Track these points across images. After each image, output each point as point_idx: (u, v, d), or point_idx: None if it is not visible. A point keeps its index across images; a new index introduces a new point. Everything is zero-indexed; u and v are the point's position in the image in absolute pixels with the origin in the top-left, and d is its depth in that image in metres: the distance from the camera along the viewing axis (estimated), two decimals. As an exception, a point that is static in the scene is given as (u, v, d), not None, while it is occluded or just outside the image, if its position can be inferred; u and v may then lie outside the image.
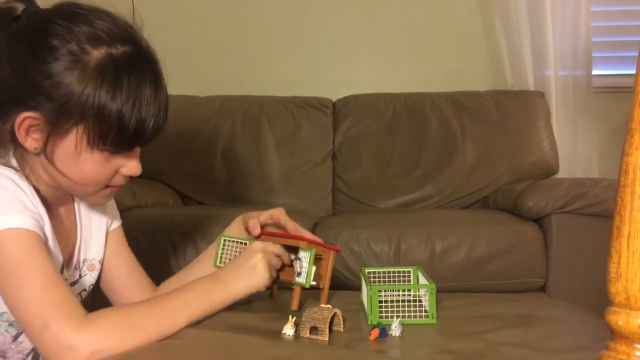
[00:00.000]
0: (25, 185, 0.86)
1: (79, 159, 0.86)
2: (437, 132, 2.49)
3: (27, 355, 0.96)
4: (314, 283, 0.97)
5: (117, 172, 0.91)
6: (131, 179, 0.94)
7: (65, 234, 1.00)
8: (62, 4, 0.88)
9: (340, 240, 1.90)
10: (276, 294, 1.15)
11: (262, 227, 1.09)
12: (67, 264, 0.99)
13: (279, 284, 1.11)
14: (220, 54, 2.83)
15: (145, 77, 0.86)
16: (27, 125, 0.84)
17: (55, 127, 0.84)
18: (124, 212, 1.98)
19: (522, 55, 2.63)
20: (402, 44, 2.79)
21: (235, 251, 1.11)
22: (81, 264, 1.03)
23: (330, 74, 2.80)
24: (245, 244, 1.10)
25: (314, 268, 0.97)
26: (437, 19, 2.78)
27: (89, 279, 1.04)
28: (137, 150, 0.92)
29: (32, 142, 0.85)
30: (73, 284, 1.01)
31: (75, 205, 1.03)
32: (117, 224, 1.11)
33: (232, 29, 2.83)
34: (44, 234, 0.87)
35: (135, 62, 0.86)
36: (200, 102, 2.61)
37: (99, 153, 0.87)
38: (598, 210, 1.88)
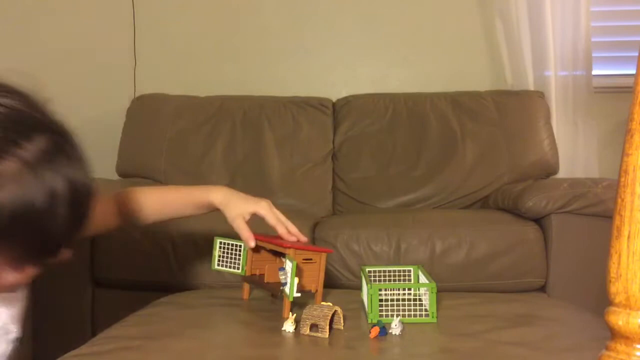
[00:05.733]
0: None
1: None
2: (437, 132, 2.49)
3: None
4: (297, 295, 0.93)
5: None
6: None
7: None
8: None
9: (340, 240, 1.90)
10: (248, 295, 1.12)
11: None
12: None
13: (266, 287, 1.08)
14: (220, 54, 2.83)
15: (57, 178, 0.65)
16: None
17: None
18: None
19: (522, 55, 2.62)
20: (402, 44, 2.79)
21: (231, 253, 1.12)
22: None
23: (330, 74, 2.80)
24: (240, 246, 1.11)
25: (296, 280, 0.93)
26: (437, 19, 2.78)
27: None
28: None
29: None
30: None
31: None
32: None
33: (232, 30, 2.83)
34: None
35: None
36: (200, 102, 2.61)
37: None
38: (598, 210, 1.87)
